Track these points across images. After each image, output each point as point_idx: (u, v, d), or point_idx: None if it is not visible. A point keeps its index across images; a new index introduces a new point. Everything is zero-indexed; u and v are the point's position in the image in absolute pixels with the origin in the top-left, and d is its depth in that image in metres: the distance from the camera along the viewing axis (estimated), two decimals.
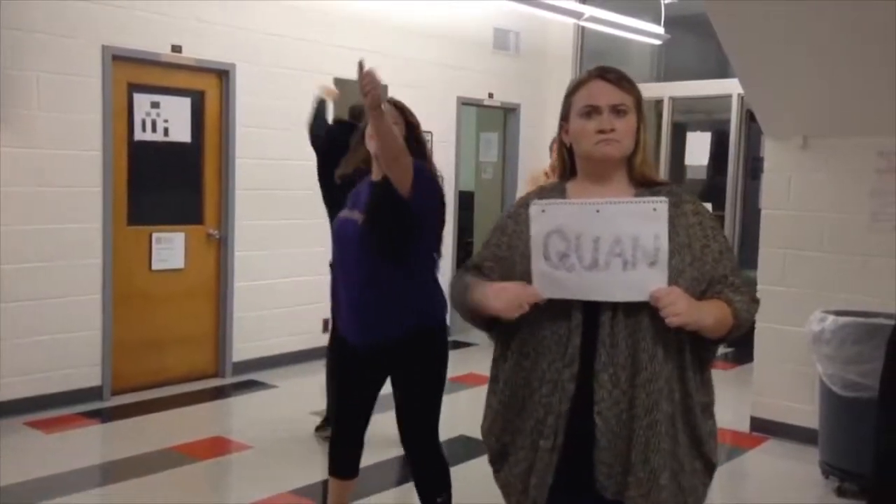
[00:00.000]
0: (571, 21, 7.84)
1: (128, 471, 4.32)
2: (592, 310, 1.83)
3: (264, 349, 6.40)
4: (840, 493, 4.24)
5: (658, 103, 8.29)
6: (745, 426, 5.18)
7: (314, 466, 4.34)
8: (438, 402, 3.10)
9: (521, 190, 6.00)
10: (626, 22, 7.55)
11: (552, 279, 1.82)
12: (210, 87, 6.03)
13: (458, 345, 7.06)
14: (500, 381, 1.98)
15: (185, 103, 5.85)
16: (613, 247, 1.78)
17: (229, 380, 6.17)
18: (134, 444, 4.69)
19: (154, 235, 5.78)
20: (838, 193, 4.79)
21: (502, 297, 1.86)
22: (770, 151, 5.10)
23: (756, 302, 1.93)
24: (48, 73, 5.12)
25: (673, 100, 8.29)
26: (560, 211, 1.84)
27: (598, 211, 1.79)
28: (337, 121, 5.00)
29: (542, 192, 2.05)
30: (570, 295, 1.83)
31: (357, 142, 3.15)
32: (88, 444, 4.81)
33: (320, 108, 4.90)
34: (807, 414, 4.76)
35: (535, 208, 1.84)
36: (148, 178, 5.77)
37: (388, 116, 2.77)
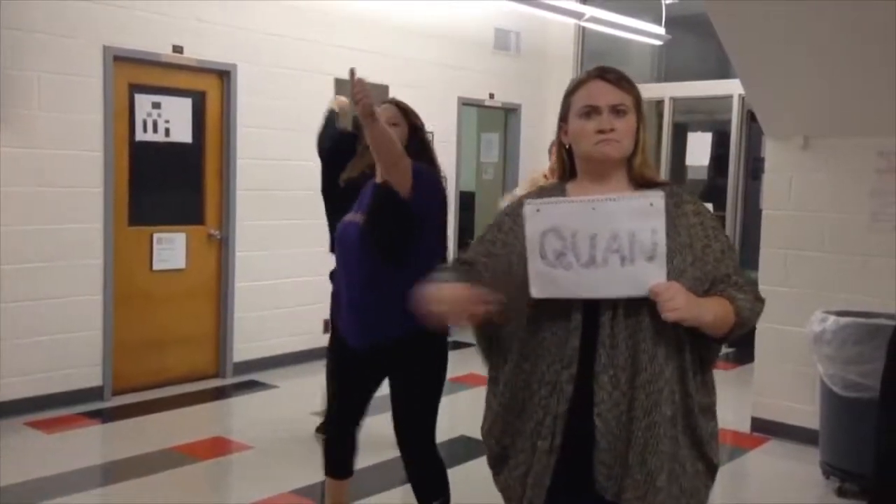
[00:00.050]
0: (572, 21, 7.84)
1: (128, 471, 4.32)
2: (592, 311, 1.82)
3: (265, 349, 6.40)
4: (841, 493, 4.24)
5: (659, 104, 8.29)
6: (745, 426, 5.17)
7: (314, 467, 4.33)
8: (436, 405, 3.10)
9: (521, 190, 5.98)
10: (627, 22, 7.55)
11: (550, 278, 1.81)
12: (211, 88, 6.03)
13: (459, 345, 7.03)
14: (499, 383, 1.97)
15: (186, 104, 5.85)
16: (611, 243, 1.76)
17: (230, 380, 6.17)
18: (134, 444, 4.69)
19: (155, 236, 5.79)
20: (839, 193, 4.79)
21: (442, 300, 1.83)
22: (771, 152, 5.10)
23: (761, 301, 1.91)
24: (49, 74, 5.13)
25: (673, 100, 8.29)
26: (555, 209, 1.82)
27: (594, 208, 1.78)
28: (343, 132, 5.01)
29: (542, 193, 2.04)
30: (568, 294, 1.81)
31: (364, 147, 3.15)
32: (89, 445, 4.82)
33: (330, 119, 4.92)
34: (807, 414, 4.76)
35: (529, 208, 1.83)
36: (149, 179, 5.77)
37: (381, 123, 2.77)
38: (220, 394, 5.92)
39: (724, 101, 7.96)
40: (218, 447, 4.77)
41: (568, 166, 1.99)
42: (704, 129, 8.40)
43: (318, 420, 5.00)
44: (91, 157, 5.36)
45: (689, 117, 8.65)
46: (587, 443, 1.82)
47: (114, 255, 5.51)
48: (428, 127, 3.27)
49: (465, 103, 7.94)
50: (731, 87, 7.44)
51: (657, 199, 1.76)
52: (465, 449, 4.62)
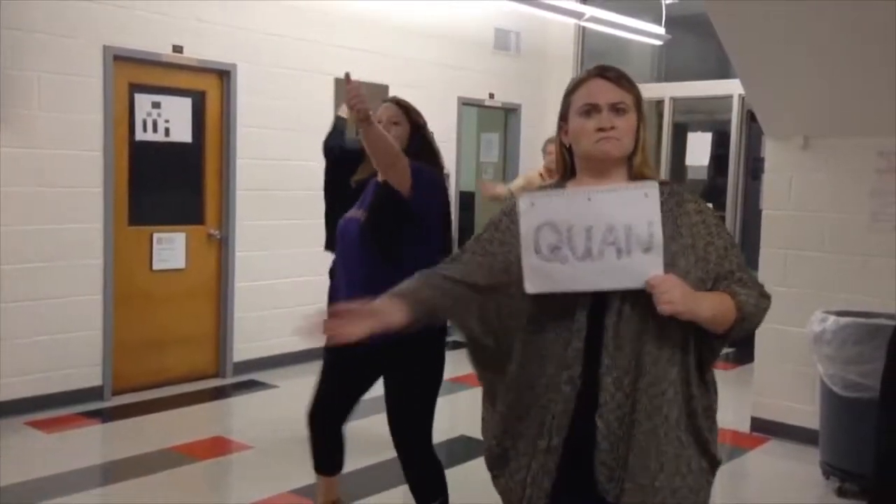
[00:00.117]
0: (572, 21, 7.84)
1: (128, 471, 4.32)
2: (597, 313, 1.81)
3: (265, 349, 6.40)
4: (841, 493, 4.24)
5: (659, 104, 8.29)
6: (745, 426, 5.17)
7: None
8: (433, 405, 3.11)
9: (516, 185, 5.97)
10: (627, 22, 7.55)
11: (545, 273, 1.79)
12: (211, 88, 6.03)
13: (459, 345, 7.03)
14: (502, 385, 1.96)
15: (185, 103, 5.85)
16: (606, 235, 1.75)
17: (230, 380, 6.17)
18: (134, 444, 4.69)
19: (155, 235, 5.79)
20: (839, 193, 4.79)
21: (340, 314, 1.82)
22: (771, 152, 5.10)
23: (766, 297, 1.89)
24: (49, 73, 5.13)
25: (674, 100, 8.29)
26: (550, 203, 1.82)
27: (590, 199, 1.77)
28: (349, 148, 5.04)
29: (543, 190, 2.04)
30: (563, 287, 1.80)
31: None
32: (89, 444, 4.82)
33: (339, 124, 4.95)
34: (807, 414, 4.76)
35: (524, 202, 1.82)
36: (149, 179, 5.77)
37: (377, 127, 2.78)
38: (219, 394, 5.92)
39: (724, 101, 7.96)
40: (218, 447, 4.77)
41: (569, 165, 1.98)
42: (704, 129, 8.41)
43: None
44: (91, 157, 5.36)
45: (689, 117, 8.65)
46: (589, 444, 1.82)
47: (114, 255, 5.51)
48: (428, 127, 3.27)
49: (465, 103, 7.94)
50: (731, 87, 7.44)
51: (652, 189, 1.76)
52: (465, 449, 4.62)
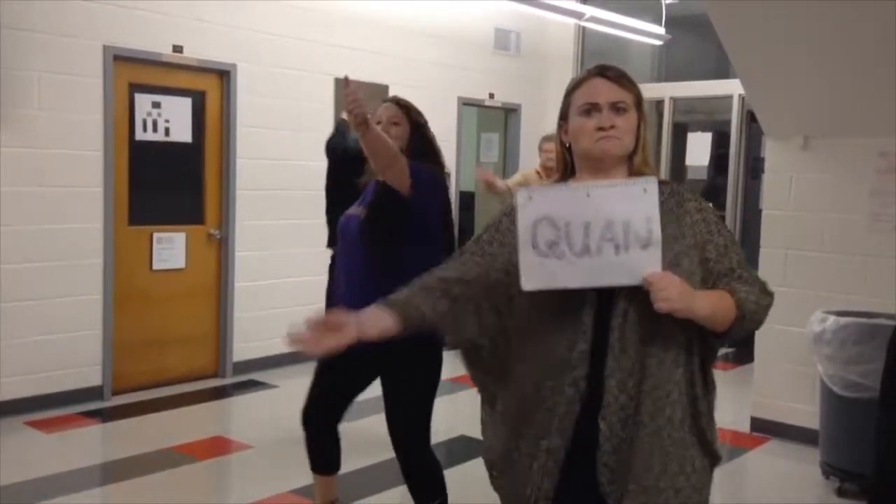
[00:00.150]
0: (572, 21, 7.85)
1: (128, 471, 4.32)
2: (603, 314, 1.80)
3: (265, 349, 6.39)
4: (840, 493, 4.24)
5: (659, 104, 8.29)
6: (745, 426, 5.17)
7: None
8: (431, 406, 3.11)
9: (513, 181, 5.96)
10: (627, 22, 7.55)
11: (541, 269, 1.78)
12: (211, 88, 6.03)
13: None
14: (507, 386, 1.95)
15: (186, 103, 5.85)
16: (605, 231, 1.74)
17: (229, 380, 6.17)
18: (134, 444, 4.69)
19: (155, 235, 5.78)
20: (839, 193, 4.79)
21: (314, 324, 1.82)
22: (771, 152, 5.10)
23: (768, 294, 1.87)
24: (49, 73, 5.12)
25: (674, 100, 8.29)
26: (548, 197, 1.80)
27: (588, 194, 1.76)
28: (352, 151, 5.07)
29: None
30: (560, 284, 1.78)
31: None
32: (88, 444, 4.82)
33: (341, 126, 4.96)
34: (807, 414, 4.76)
35: (521, 195, 1.81)
36: (149, 178, 5.77)
37: (374, 131, 2.79)
38: (219, 393, 5.91)
39: (724, 101, 7.97)
40: (217, 447, 4.77)
41: (569, 165, 1.97)
42: (704, 129, 8.41)
43: None
44: (91, 157, 5.36)
45: (689, 117, 8.65)
46: (591, 446, 1.81)
47: (114, 255, 5.51)
48: (429, 126, 3.27)
49: (465, 103, 7.94)
50: (731, 87, 7.45)
51: (651, 184, 1.75)
52: (465, 449, 4.62)
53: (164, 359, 5.88)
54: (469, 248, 2.01)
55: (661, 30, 7.86)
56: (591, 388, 1.81)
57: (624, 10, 7.61)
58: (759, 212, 5.37)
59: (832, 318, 4.30)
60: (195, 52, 5.81)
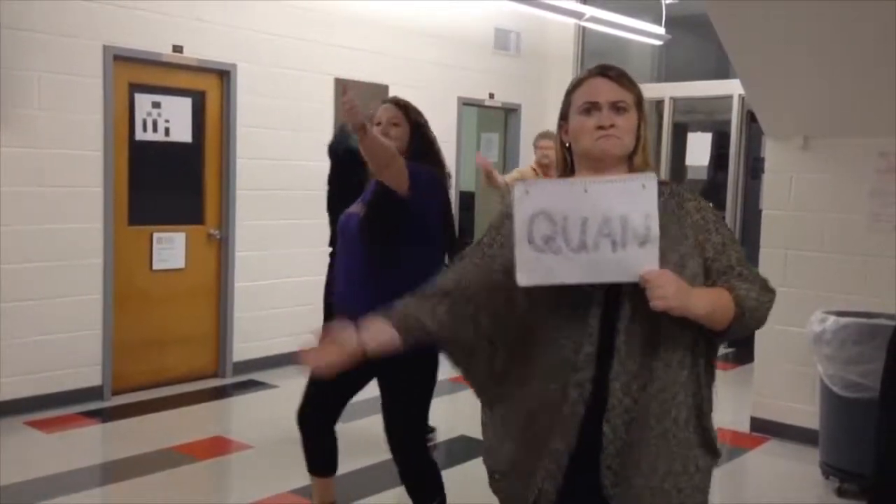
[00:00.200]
0: (572, 21, 7.84)
1: (128, 471, 4.32)
2: (609, 317, 1.79)
3: (264, 349, 6.40)
4: (840, 493, 4.24)
5: (659, 104, 8.29)
6: (745, 426, 5.17)
7: None
8: (427, 407, 3.10)
9: (510, 178, 5.96)
10: (627, 22, 7.55)
11: (537, 264, 1.76)
12: (211, 88, 6.03)
13: None
14: (511, 387, 1.94)
15: (186, 103, 5.85)
16: (602, 227, 1.72)
17: (229, 380, 6.17)
18: (134, 444, 4.69)
19: (155, 235, 5.78)
20: (838, 193, 4.79)
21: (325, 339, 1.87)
22: (771, 152, 5.10)
23: (769, 291, 1.85)
24: (49, 73, 5.12)
25: (674, 100, 8.29)
26: (545, 191, 1.78)
27: (586, 190, 1.74)
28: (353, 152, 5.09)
29: None
30: (556, 280, 1.76)
31: None
32: (88, 444, 4.82)
33: (343, 128, 4.97)
34: (807, 414, 4.76)
35: (519, 189, 1.79)
36: (149, 178, 5.77)
37: (372, 135, 2.80)
38: (219, 393, 5.91)
39: (724, 101, 7.96)
40: (217, 447, 4.77)
41: (569, 165, 1.96)
42: (704, 129, 8.41)
43: None
44: (91, 157, 5.36)
45: (689, 117, 8.65)
46: (595, 448, 1.80)
47: (114, 255, 5.51)
48: (429, 125, 3.26)
49: (465, 103, 7.94)
50: (731, 87, 7.45)
51: (649, 180, 1.73)
52: (464, 449, 4.61)
53: (163, 359, 5.88)
54: (469, 253, 2.00)
55: (661, 30, 7.86)
56: (596, 391, 1.80)
57: (624, 10, 7.61)
58: (759, 212, 5.37)
59: (832, 318, 4.30)
60: (195, 52, 5.81)
